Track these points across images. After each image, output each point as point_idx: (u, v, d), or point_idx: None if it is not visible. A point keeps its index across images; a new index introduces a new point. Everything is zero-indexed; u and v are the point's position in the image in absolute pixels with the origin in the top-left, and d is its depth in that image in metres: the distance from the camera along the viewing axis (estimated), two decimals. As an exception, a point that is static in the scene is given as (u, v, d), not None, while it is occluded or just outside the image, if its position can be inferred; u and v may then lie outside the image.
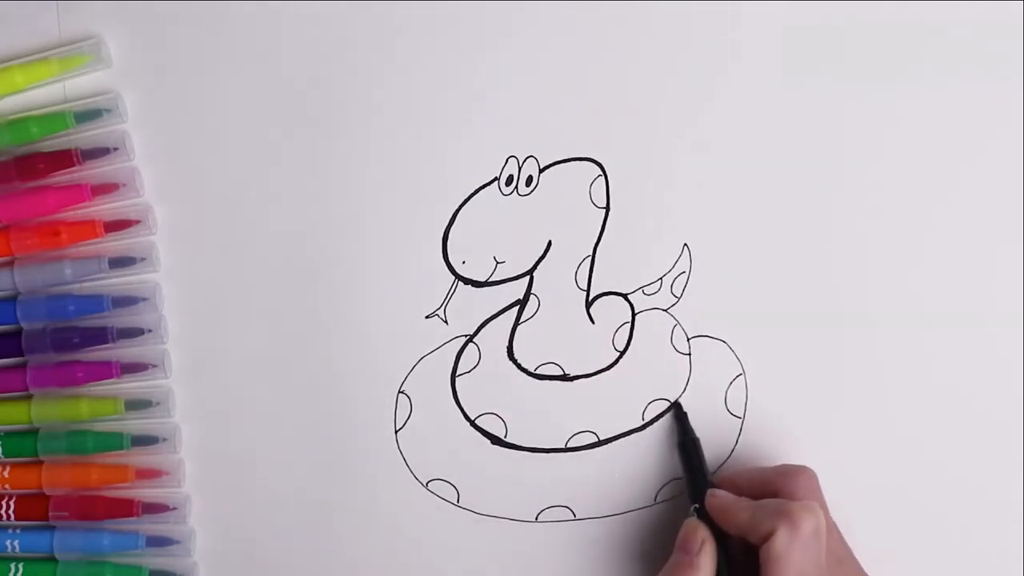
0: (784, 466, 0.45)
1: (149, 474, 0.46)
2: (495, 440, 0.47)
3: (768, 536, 0.40)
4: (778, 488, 0.43)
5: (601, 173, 0.46)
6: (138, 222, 0.45)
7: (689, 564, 0.42)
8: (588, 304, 0.47)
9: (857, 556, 0.45)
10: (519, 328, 0.47)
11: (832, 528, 0.44)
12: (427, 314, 0.47)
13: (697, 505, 0.44)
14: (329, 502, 0.47)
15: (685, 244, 0.47)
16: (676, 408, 0.47)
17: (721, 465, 0.48)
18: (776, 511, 0.41)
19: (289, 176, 0.46)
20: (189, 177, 0.46)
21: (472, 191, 0.46)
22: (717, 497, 0.43)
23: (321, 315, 0.47)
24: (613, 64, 0.46)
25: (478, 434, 0.47)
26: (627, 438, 0.47)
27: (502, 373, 0.47)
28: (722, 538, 0.43)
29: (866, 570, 0.44)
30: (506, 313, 0.47)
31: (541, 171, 0.46)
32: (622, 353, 0.47)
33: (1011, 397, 0.48)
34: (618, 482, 0.48)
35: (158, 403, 0.46)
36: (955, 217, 0.47)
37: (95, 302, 0.45)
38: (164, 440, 0.46)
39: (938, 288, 0.47)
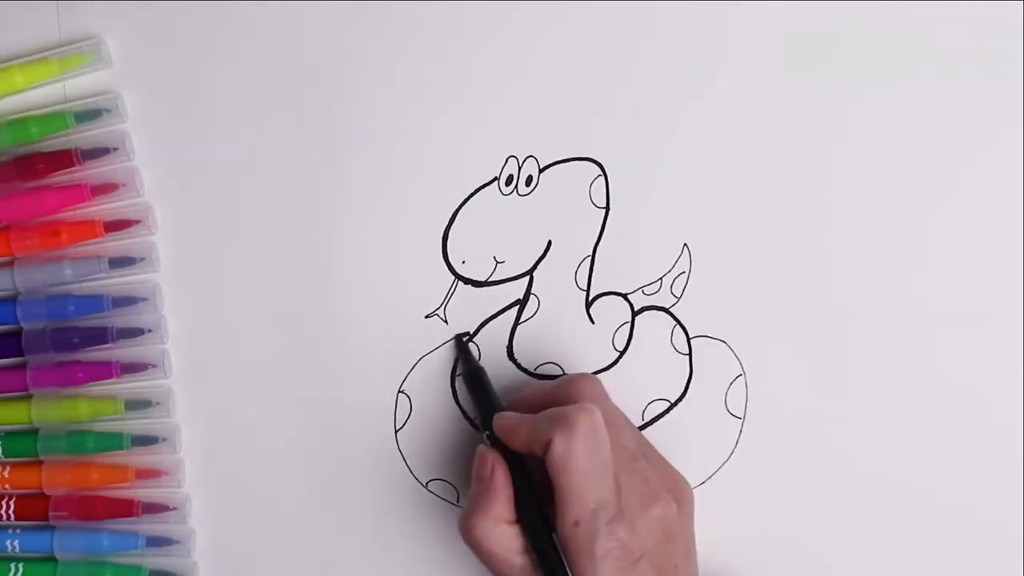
0: (566, 375, 0.45)
1: (149, 474, 0.46)
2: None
3: (548, 445, 0.40)
4: (560, 399, 0.43)
5: (601, 173, 0.46)
6: (138, 222, 0.45)
7: (484, 490, 0.41)
8: (588, 304, 0.47)
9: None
10: (519, 328, 0.47)
11: (623, 426, 0.43)
12: (427, 314, 0.47)
13: (488, 432, 0.43)
14: (329, 502, 0.47)
15: (685, 244, 0.47)
16: (457, 339, 0.46)
17: (720, 466, 0.48)
18: (552, 419, 0.41)
19: (289, 176, 0.46)
20: (189, 177, 0.46)
21: (472, 191, 0.46)
22: (502, 419, 0.43)
23: (321, 315, 0.47)
24: (613, 64, 0.46)
25: (478, 434, 0.47)
26: (627, 438, 0.47)
27: (502, 373, 0.47)
28: (519, 460, 0.42)
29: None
30: (506, 313, 0.47)
31: (541, 171, 0.46)
32: (622, 353, 0.47)
33: (1011, 397, 0.48)
34: (618, 482, 0.48)
35: (158, 403, 0.46)
36: (955, 217, 0.47)
37: (95, 302, 0.45)
38: (164, 440, 0.46)
39: (938, 288, 0.47)
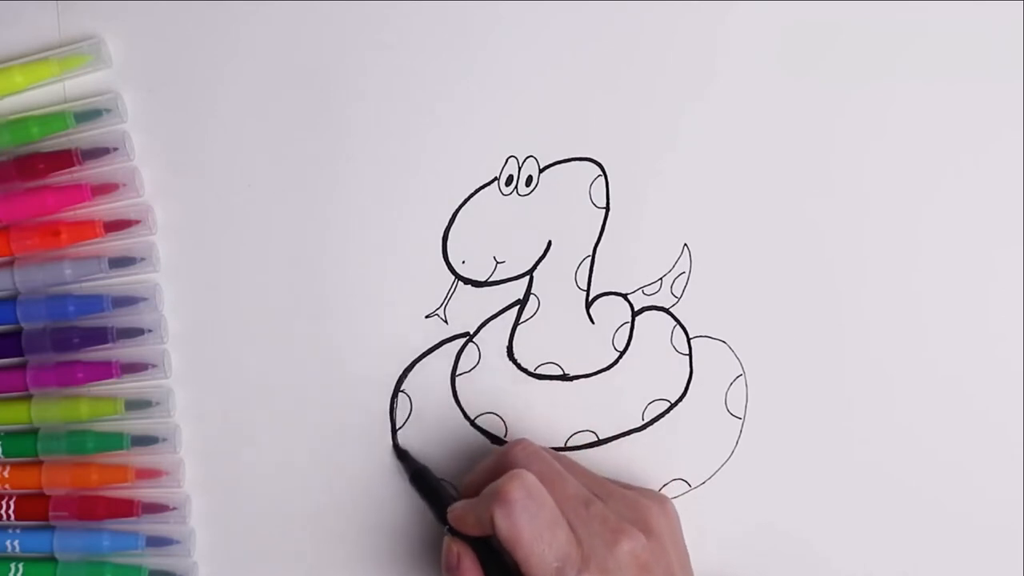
0: (501, 447, 0.45)
1: (149, 474, 0.46)
2: (495, 440, 0.47)
3: (492, 523, 0.40)
4: (500, 472, 0.42)
5: (601, 173, 0.46)
6: (138, 222, 0.45)
7: None
8: (588, 304, 0.47)
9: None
10: (519, 328, 0.47)
11: (565, 476, 0.43)
12: (427, 314, 0.47)
13: (447, 526, 0.43)
14: (329, 502, 0.47)
15: (685, 244, 0.47)
16: (394, 447, 0.47)
17: (721, 466, 0.48)
18: (488, 497, 0.41)
19: (289, 176, 0.46)
20: (189, 177, 0.46)
21: (472, 191, 0.46)
22: (453, 511, 0.43)
23: (321, 315, 0.47)
24: (613, 64, 0.46)
25: (478, 434, 0.47)
26: (627, 438, 0.47)
27: (502, 373, 0.47)
28: (484, 540, 0.42)
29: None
30: (506, 313, 0.47)
31: (541, 171, 0.46)
32: (622, 353, 0.47)
33: (1011, 397, 0.48)
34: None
35: (158, 403, 0.46)
36: (956, 217, 0.47)
37: (95, 302, 0.45)
38: (164, 440, 0.46)
39: (938, 288, 0.47)
